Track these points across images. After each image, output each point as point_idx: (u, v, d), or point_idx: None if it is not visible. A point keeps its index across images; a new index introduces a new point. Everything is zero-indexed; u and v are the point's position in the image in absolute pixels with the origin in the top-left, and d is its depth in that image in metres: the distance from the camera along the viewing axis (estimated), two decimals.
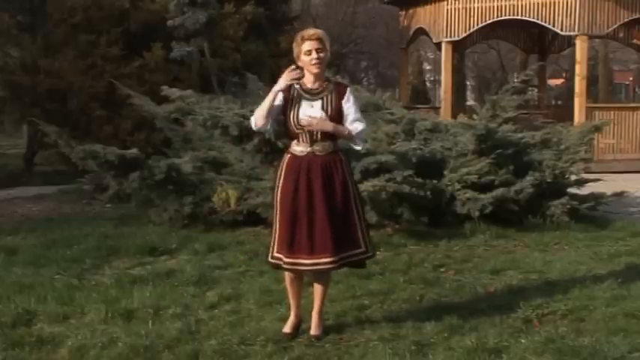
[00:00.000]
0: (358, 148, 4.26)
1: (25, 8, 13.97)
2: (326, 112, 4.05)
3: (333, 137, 4.12)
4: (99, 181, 7.90)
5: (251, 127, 4.25)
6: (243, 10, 12.35)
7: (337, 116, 4.09)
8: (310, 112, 4.04)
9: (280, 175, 4.14)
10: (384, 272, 5.60)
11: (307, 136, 4.07)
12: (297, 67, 4.10)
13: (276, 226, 4.13)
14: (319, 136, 4.07)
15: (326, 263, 4.02)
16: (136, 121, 10.70)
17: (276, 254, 4.13)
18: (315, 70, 4.05)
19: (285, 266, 4.09)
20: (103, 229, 7.26)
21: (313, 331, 4.19)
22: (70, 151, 7.40)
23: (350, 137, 4.17)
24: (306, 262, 4.02)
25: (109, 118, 11.27)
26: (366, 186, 6.72)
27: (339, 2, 27.72)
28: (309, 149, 4.08)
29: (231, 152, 7.82)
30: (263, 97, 4.23)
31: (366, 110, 8.33)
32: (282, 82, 4.06)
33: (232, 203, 7.14)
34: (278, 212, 4.11)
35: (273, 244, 4.15)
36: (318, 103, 4.07)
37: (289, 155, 4.14)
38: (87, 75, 11.46)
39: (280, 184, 4.12)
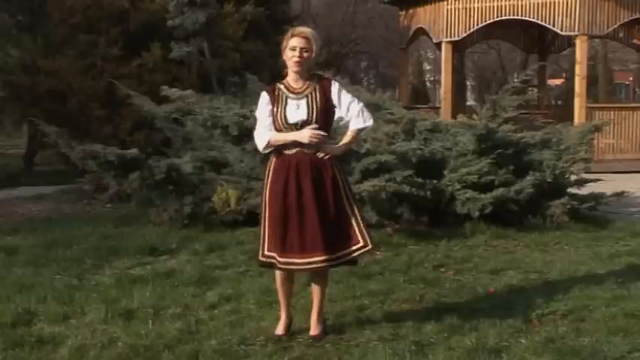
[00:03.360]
0: (369, 124, 4.15)
1: (25, 8, 13.98)
2: (312, 111, 4.01)
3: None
4: (99, 181, 7.90)
5: (251, 127, 4.25)
6: (243, 10, 12.33)
7: (324, 113, 4.05)
8: (297, 113, 4.02)
9: (269, 174, 4.13)
10: (384, 272, 5.60)
11: None
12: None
13: (265, 225, 4.12)
14: None
15: (319, 262, 4.00)
16: (135, 121, 10.68)
17: (267, 252, 4.11)
18: (294, 67, 4.04)
19: (280, 266, 4.08)
20: (103, 229, 7.26)
21: (312, 331, 4.18)
22: (70, 151, 7.39)
23: (358, 134, 4.17)
24: (298, 261, 4.01)
25: (109, 118, 11.25)
26: (366, 186, 6.72)
27: (339, 2, 27.73)
28: (297, 148, 4.05)
29: (231, 152, 7.81)
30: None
31: None
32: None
33: (232, 203, 7.14)
34: (267, 211, 4.10)
35: (263, 243, 4.13)
36: (303, 102, 4.04)
37: (277, 154, 4.12)
38: (86, 75, 11.45)
39: (269, 184, 4.10)
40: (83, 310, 4.61)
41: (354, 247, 4.07)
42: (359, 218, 4.09)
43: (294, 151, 4.05)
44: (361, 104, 4.13)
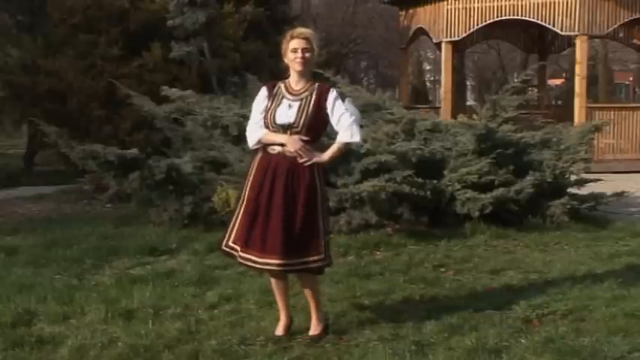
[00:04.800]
0: (356, 140, 4.11)
1: (25, 8, 13.98)
2: (300, 116, 4.00)
3: (309, 140, 4.04)
4: (99, 181, 7.90)
5: None
6: (243, 10, 12.33)
7: (313, 119, 4.03)
8: (286, 115, 4.01)
9: (252, 170, 4.14)
10: (384, 272, 5.60)
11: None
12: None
13: (238, 217, 4.12)
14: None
15: (274, 265, 3.99)
16: (135, 121, 10.69)
17: (231, 244, 4.12)
18: (297, 67, 4.04)
19: (239, 260, 4.11)
20: (103, 229, 7.26)
21: (312, 331, 4.19)
22: (70, 151, 7.39)
23: (344, 147, 4.11)
24: (257, 259, 4.02)
25: (109, 118, 11.25)
26: (366, 186, 6.73)
27: (339, 2, 27.75)
28: (279, 149, 4.05)
29: (231, 152, 7.81)
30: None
31: (366, 110, 8.33)
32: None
33: (232, 203, 7.11)
34: (244, 205, 4.11)
35: (230, 234, 4.14)
36: (295, 105, 4.03)
37: (263, 151, 4.11)
38: (86, 75, 11.45)
39: (250, 179, 4.12)
40: (83, 310, 4.61)
41: (315, 258, 4.04)
42: (323, 231, 4.06)
43: (276, 151, 4.05)
44: (353, 118, 4.06)
